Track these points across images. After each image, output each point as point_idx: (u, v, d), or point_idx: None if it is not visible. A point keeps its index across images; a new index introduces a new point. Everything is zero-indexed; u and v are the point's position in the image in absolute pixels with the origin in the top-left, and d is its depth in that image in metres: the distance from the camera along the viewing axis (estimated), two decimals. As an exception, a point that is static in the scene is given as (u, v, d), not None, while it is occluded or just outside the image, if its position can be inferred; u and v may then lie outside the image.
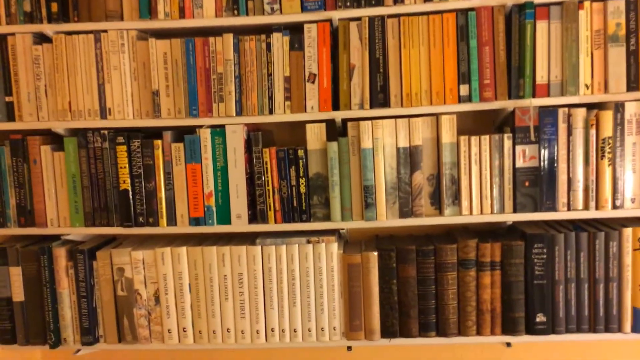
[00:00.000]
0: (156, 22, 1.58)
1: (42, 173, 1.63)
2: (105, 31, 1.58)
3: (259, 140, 1.60)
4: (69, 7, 1.58)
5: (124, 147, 1.60)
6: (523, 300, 1.58)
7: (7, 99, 1.62)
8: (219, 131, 1.59)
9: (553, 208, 1.55)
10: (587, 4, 1.50)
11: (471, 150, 1.56)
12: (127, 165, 1.60)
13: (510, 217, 1.58)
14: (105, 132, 1.60)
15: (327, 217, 1.61)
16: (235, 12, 1.57)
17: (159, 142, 1.60)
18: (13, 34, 1.60)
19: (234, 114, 1.59)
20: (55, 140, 1.66)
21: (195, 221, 1.62)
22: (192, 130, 1.61)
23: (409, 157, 1.58)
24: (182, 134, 1.62)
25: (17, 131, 1.64)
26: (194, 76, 1.58)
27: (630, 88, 1.51)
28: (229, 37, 1.56)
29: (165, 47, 1.58)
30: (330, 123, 1.61)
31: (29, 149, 1.62)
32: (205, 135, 1.59)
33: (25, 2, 1.58)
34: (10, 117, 1.62)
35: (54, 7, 1.57)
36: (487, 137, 1.55)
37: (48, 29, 1.58)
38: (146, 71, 1.59)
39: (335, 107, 1.59)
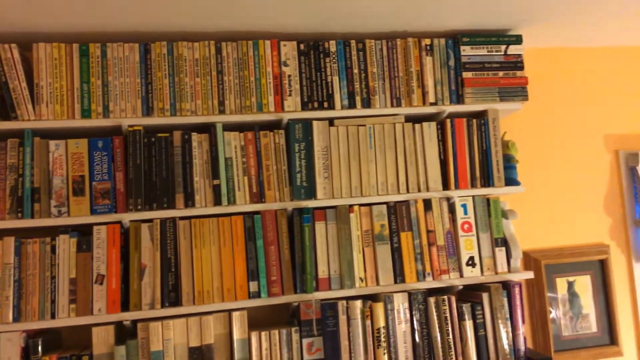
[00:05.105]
0: None
1: None
2: None
3: (38, 348, 1.49)
4: None
5: None
6: None
7: None
8: (-10, 341, 1.46)
9: (340, 399, 1.63)
10: (356, 207, 1.73)
11: (262, 345, 1.61)
12: None
13: (301, 412, 1.61)
14: None
15: None
16: (20, 214, 1.54)
17: None
18: None
19: (11, 321, 1.48)
20: None
21: None
22: (-44, 342, 1.46)
23: (201, 357, 1.57)
24: (-57, 347, 1.45)
25: None
26: (-36, 282, 1.48)
27: (397, 281, 1.71)
28: (10, 241, 1.51)
29: None
30: (120, 325, 1.57)
31: None
32: (-27, 347, 1.45)
33: None
34: None
35: None
36: (277, 331, 1.62)
37: None
38: None
39: (126, 308, 1.57)
